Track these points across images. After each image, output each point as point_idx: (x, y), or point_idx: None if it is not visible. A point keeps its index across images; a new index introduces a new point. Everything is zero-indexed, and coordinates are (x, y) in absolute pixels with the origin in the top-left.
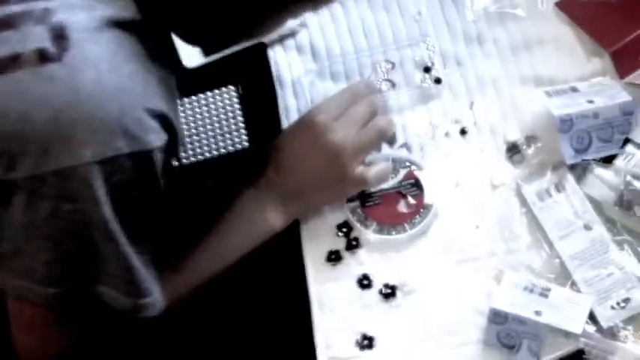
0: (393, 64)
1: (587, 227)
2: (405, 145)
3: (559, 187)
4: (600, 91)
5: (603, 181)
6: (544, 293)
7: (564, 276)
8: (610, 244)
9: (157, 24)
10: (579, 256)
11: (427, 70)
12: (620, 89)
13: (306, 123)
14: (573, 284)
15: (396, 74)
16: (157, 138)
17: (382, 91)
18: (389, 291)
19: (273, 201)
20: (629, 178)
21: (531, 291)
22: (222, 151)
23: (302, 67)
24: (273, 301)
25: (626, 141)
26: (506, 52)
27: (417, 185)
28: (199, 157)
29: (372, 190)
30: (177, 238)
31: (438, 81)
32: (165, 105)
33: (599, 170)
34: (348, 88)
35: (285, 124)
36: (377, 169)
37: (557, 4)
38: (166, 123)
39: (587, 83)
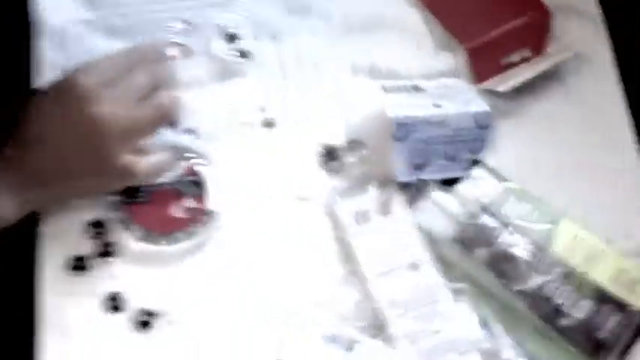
0: (191, 26)
1: (414, 267)
2: (190, 131)
3: (384, 209)
4: (450, 94)
5: (442, 209)
6: (349, 346)
7: (378, 327)
8: (442, 293)
9: None
10: (400, 304)
11: (232, 38)
12: (476, 95)
13: (66, 86)
14: (389, 339)
15: (192, 39)
16: None
17: (171, 59)
18: (144, 319)
19: (7, 183)
20: (474, 209)
21: (333, 341)
22: None
23: (73, 14)
24: None
25: (476, 162)
26: (338, 31)
27: (199, 184)
28: None
29: None
30: None
31: (244, 54)
32: None
33: (438, 195)
34: (128, 48)
35: (37, 83)
36: (151, 161)
37: None
38: None
39: (435, 82)
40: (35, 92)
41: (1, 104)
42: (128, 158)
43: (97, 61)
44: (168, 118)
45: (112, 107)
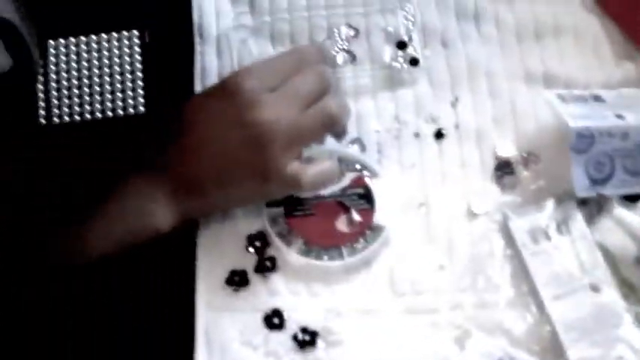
0: (357, 32)
1: (595, 288)
2: (358, 142)
3: (562, 227)
4: (633, 105)
5: (625, 227)
6: None
7: (555, 351)
8: (624, 316)
9: None
10: (579, 327)
11: (401, 46)
12: None
13: (229, 88)
14: None
15: (359, 45)
16: None
17: (338, 65)
18: (307, 338)
19: (164, 191)
20: None
21: None
22: (109, 113)
23: (233, 20)
24: (150, 325)
25: None
26: (511, 38)
27: (366, 197)
28: (77, 116)
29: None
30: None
31: (414, 62)
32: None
33: (621, 212)
34: (294, 50)
35: (199, 89)
36: (318, 169)
37: None
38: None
39: (615, 92)
40: (197, 95)
41: (166, 111)
42: (293, 166)
43: (259, 63)
44: (335, 126)
45: (278, 112)
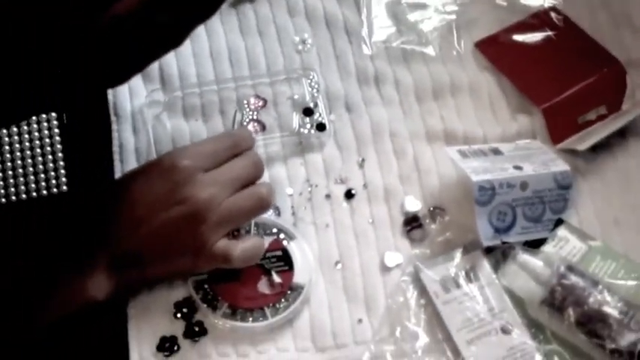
0: (265, 102)
1: (505, 331)
2: (273, 207)
3: (470, 275)
4: (529, 156)
5: (529, 271)
6: None
7: None
8: (535, 355)
9: None
10: None
11: (308, 112)
12: (555, 156)
13: (165, 166)
14: None
15: (268, 115)
16: None
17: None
18: None
19: (100, 264)
20: (562, 269)
21: None
22: (33, 194)
23: (146, 97)
24: None
25: (559, 222)
26: (411, 99)
27: (285, 259)
28: (2, 198)
29: None
30: None
31: (320, 127)
32: None
33: (525, 257)
34: (228, 134)
35: (118, 166)
36: (246, 246)
37: (477, 45)
38: None
39: (512, 145)
40: (132, 172)
41: (84, 187)
42: (224, 243)
43: (197, 144)
44: (265, 210)
45: (213, 192)
